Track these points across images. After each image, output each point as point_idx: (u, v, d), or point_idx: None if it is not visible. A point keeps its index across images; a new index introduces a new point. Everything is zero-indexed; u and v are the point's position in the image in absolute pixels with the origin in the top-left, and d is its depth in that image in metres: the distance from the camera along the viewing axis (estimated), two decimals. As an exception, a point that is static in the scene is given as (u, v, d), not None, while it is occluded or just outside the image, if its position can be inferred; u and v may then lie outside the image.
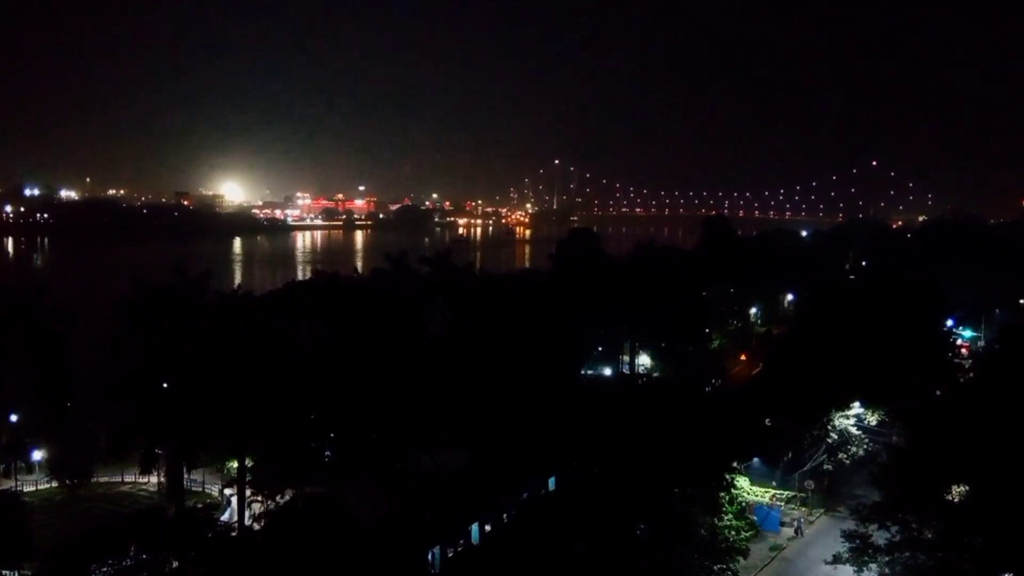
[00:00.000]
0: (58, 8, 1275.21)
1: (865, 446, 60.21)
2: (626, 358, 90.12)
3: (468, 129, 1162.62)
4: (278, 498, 48.20)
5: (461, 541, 46.60)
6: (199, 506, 51.07)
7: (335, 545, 33.67)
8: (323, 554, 33.16)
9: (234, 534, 41.38)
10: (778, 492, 57.39)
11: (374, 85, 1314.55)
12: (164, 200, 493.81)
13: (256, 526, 45.17)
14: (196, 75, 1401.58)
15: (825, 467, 60.19)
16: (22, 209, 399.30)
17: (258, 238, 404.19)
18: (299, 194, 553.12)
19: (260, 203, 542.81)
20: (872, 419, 62.69)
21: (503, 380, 56.01)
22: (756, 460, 57.44)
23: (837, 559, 39.13)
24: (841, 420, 61.61)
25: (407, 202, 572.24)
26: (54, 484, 61.38)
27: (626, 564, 38.30)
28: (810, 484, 57.61)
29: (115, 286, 64.28)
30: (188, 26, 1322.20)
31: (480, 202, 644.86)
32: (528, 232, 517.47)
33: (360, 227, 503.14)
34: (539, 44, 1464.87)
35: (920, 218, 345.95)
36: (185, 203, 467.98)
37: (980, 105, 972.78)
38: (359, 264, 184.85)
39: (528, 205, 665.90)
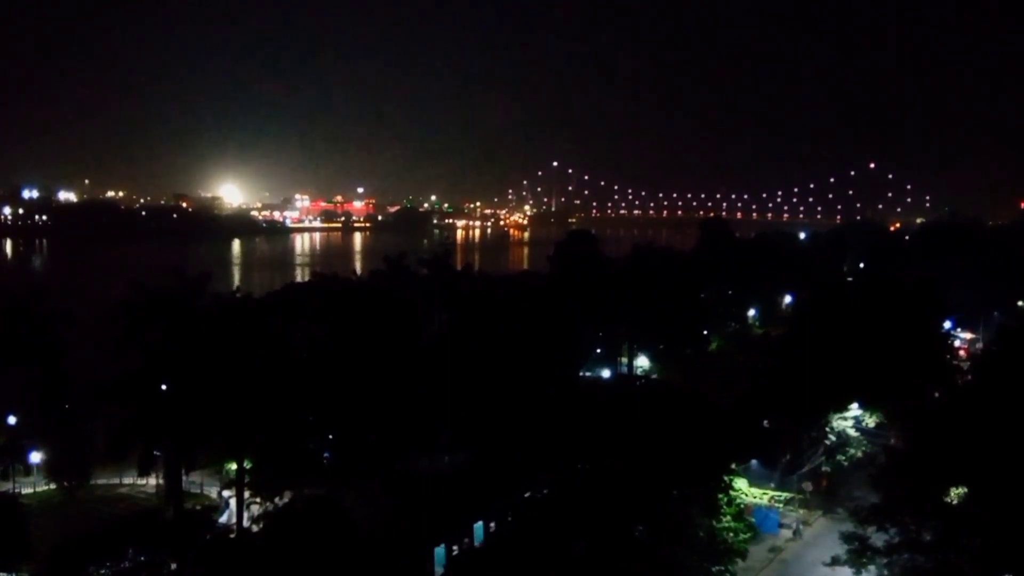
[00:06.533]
0: (56, 8, 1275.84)
1: (863, 448, 60.32)
2: (625, 360, 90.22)
3: (467, 131, 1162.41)
4: (277, 500, 48.19)
5: (466, 540, 46.54)
6: (198, 508, 51.23)
7: (334, 547, 33.69)
8: (322, 556, 33.17)
9: (233, 536, 41.45)
10: (776, 494, 57.42)
11: (373, 87, 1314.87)
12: (163, 202, 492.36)
13: (255, 528, 45.18)
14: (195, 76, 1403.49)
15: (823, 469, 60.28)
16: (20, 211, 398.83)
17: (257, 240, 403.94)
18: (298, 196, 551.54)
19: (259, 205, 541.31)
20: (870, 421, 62.84)
21: (501, 382, 55.98)
22: (754, 462, 57.44)
23: (836, 561, 39.15)
24: (839, 422, 61.77)
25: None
26: (52, 486, 61.39)
27: (624, 565, 38.33)
28: (808, 486, 57.67)
29: (113, 288, 64.29)
30: (187, 27, 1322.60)
31: (479, 204, 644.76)
32: (526, 234, 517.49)
33: (359, 229, 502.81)
34: (538, 46, 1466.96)
35: (918, 220, 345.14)
36: (184, 205, 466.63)
37: (978, 107, 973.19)
38: (358, 266, 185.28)
39: (526, 207, 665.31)
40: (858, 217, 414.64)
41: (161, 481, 58.60)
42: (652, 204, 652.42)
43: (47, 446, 62.35)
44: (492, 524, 48.15)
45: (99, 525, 37.57)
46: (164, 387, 52.37)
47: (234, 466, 53.66)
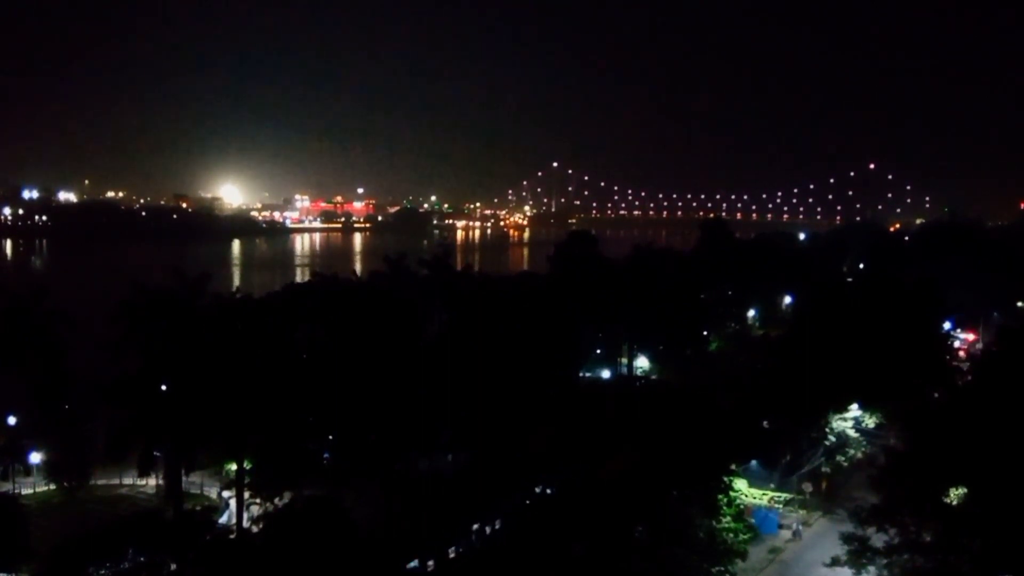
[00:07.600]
0: (56, 8, 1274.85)
1: (863, 448, 60.28)
2: (625, 360, 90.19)
3: (467, 131, 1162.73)
4: (277, 500, 48.20)
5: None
6: (198, 508, 51.17)
7: (334, 547, 33.68)
8: (322, 556, 33.17)
9: (233, 536, 41.44)
10: (776, 494, 57.44)
11: (374, 88, 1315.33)
12: (163, 202, 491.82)
13: (255, 528, 45.17)
14: (195, 77, 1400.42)
15: (823, 469, 60.26)
16: (20, 211, 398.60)
17: (257, 240, 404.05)
18: (298, 196, 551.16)
19: (259, 205, 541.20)
20: (870, 421, 62.79)
21: (501, 382, 55.98)
22: (754, 462, 57.48)
23: (835, 561, 39.17)
24: (839, 422, 61.72)
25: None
26: (52, 486, 61.38)
27: (624, 565, 38.34)
28: (808, 486, 57.66)
29: (114, 288, 64.24)
30: (187, 27, 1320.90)
31: (479, 204, 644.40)
32: (526, 234, 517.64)
33: (359, 229, 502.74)
34: (537, 47, 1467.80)
35: (918, 221, 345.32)
36: (184, 205, 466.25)
37: (979, 107, 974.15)
38: (358, 266, 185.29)
39: (526, 207, 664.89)
40: (858, 218, 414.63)
41: (161, 481, 58.63)
42: (652, 204, 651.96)
43: (47, 446, 62.36)
44: (491, 524, 48.18)
45: (99, 525, 37.54)
46: (164, 387, 52.37)
47: (234, 466, 53.69)
